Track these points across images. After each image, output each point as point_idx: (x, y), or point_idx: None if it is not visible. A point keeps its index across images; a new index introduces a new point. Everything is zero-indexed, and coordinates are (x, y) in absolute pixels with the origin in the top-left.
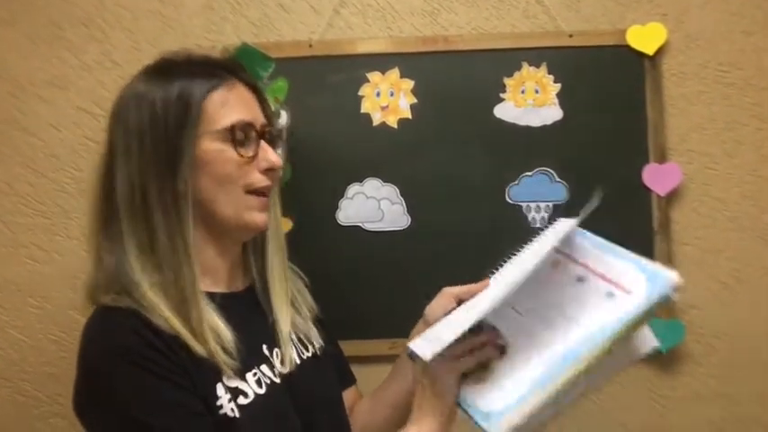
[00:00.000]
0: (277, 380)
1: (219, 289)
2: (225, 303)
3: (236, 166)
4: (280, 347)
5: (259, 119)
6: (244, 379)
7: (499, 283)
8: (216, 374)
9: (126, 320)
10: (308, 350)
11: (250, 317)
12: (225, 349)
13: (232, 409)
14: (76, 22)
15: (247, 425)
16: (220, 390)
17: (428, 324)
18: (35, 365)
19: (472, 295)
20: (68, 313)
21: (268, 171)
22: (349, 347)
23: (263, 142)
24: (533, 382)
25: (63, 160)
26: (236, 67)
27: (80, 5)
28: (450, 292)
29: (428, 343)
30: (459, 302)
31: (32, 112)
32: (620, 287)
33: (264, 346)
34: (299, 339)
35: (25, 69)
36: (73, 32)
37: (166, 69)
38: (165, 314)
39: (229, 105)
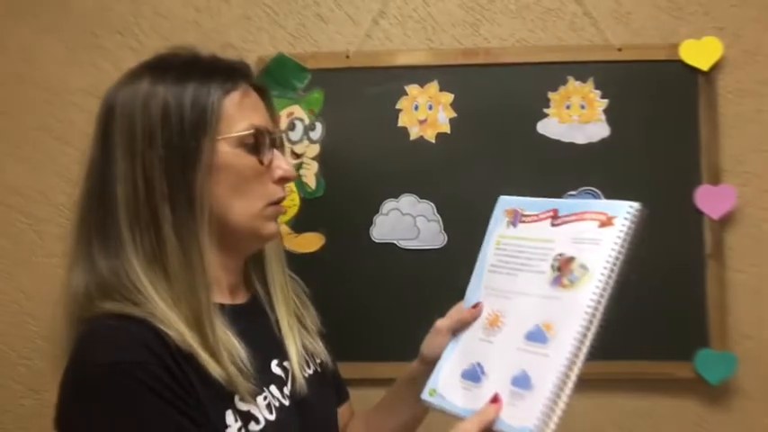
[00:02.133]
0: (286, 402)
1: (225, 301)
2: (233, 316)
3: (254, 174)
4: (288, 363)
5: (270, 125)
6: (255, 402)
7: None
8: (226, 400)
9: (139, 333)
10: (310, 367)
11: (257, 331)
12: (241, 370)
13: None
14: (113, 31)
15: None
16: (230, 418)
17: (426, 363)
18: None
19: (465, 326)
20: None
21: (282, 180)
22: (382, 369)
23: (276, 151)
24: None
25: None
26: (246, 69)
27: (117, 14)
28: (444, 326)
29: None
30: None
31: (68, 120)
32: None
33: (274, 363)
34: (303, 355)
35: (61, 77)
36: (110, 41)
37: (175, 68)
38: (180, 329)
39: (245, 110)
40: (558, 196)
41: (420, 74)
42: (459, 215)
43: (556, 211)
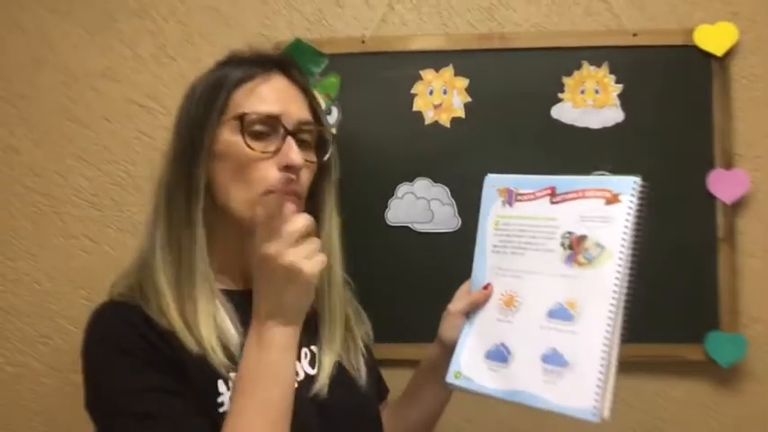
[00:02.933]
0: (300, 374)
1: (238, 287)
2: (242, 301)
3: (249, 161)
4: (309, 348)
5: (293, 114)
6: None
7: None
8: (220, 371)
9: (122, 313)
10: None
11: None
12: (225, 348)
13: None
14: (131, 14)
15: None
16: (222, 386)
17: (445, 348)
18: None
19: (477, 307)
20: None
21: (287, 169)
22: (395, 351)
23: (289, 139)
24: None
25: (115, 153)
26: (287, 61)
27: None
28: (457, 309)
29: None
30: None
31: (85, 103)
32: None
33: None
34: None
35: (79, 60)
36: (127, 24)
37: (220, 64)
38: (167, 307)
39: (257, 96)
40: None
41: (435, 58)
42: (473, 199)
43: (553, 188)
